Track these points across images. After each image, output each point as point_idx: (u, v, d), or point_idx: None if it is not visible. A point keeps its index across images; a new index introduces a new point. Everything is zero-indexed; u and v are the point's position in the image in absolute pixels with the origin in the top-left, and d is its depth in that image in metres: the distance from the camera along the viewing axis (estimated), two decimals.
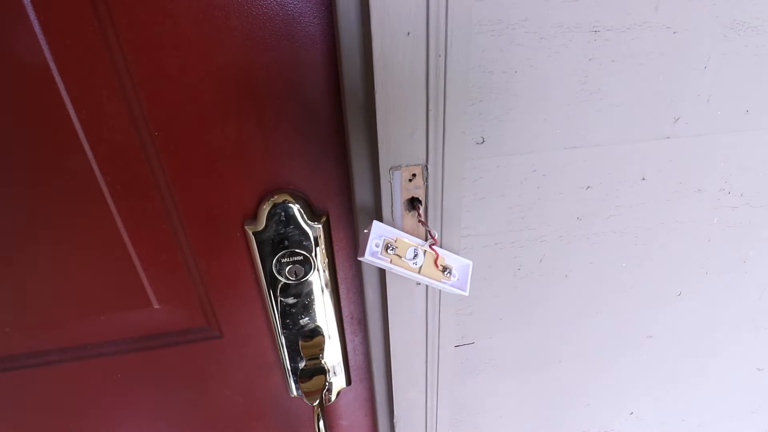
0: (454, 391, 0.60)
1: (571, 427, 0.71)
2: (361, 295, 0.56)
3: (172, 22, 0.37)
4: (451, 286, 0.42)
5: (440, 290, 0.48)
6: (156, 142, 0.42)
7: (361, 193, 0.45)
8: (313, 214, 0.48)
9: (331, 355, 0.57)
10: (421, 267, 0.40)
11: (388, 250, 0.38)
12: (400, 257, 0.39)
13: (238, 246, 0.49)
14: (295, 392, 0.60)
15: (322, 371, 0.56)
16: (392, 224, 0.42)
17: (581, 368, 0.63)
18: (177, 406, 0.60)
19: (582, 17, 0.39)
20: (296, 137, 0.45)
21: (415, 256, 0.40)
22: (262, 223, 0.47)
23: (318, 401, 0.54)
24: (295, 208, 0.46)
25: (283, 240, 0.48)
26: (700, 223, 0.53)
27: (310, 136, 0.45)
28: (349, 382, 0.61)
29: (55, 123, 0.40)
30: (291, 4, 0.39)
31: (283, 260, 0.49)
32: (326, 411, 0.65)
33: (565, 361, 0.62)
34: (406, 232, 0.40)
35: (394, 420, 0.59)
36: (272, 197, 0.46)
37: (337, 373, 0.59)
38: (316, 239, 0.48)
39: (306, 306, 0.53)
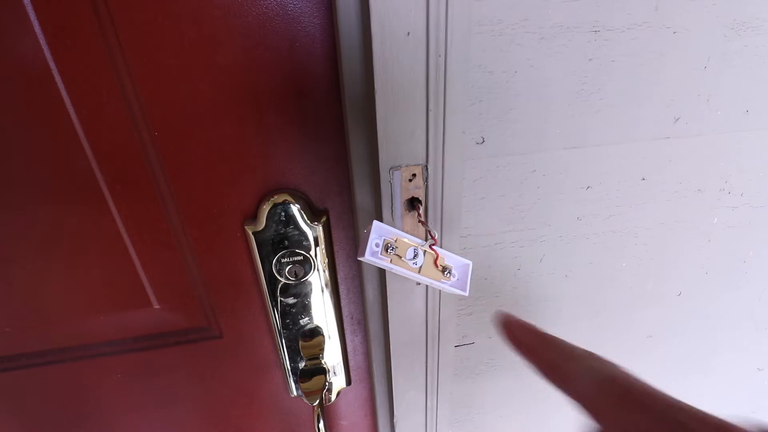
0: (454, 391, 0.60)
1: (571, 428, 0.71)
2: (361, 295, 0.56)
3: (172, 22, 0.37)
4: (451, 286, 0.42)
5: (440, 290, 0.48)
6: (156, 142, 0.42)
7: (361, 193, 0.45)
8: (313, 214, 0.48)
9: (331, 355, 0.57)
10: (421, 267, 0.40)
11: (388, 250, 0.38)
12: (400, 257, 0.39)
13: (238, 246, 0.49)
14: (295, 392, 0.60)
15: (322, 371, 0.56)
16: (392, 224, 0.42)
17: None
18: (177, 406, 0.60)
19: (582, 17, 0.39)
20: (296, 137, 0.45)
21: (415, 256, 0.40)
22: (262, 223, 0.47)
23: (318, 401, 0.54)
24: (295, 208, 0.46)
25: (283, 240, 0.48)
26: (700, 223, 0.53)
27: (310, 136, 0.45)
28: (349, 382, 0.61)
29: (55, 123, 0.40)
30: (291, 4, 0.39)
31: (283, 260, 0.49)
32: (326, 411, 0.65)
33: None
34: (406, 232, 0.40)
35: (394, 420, 0.59)
36: (272, 197, 0.46)
37: (337, 373, 0.59)
38: (316, 239, 0.48)
39: (306, 306, 0.53)
